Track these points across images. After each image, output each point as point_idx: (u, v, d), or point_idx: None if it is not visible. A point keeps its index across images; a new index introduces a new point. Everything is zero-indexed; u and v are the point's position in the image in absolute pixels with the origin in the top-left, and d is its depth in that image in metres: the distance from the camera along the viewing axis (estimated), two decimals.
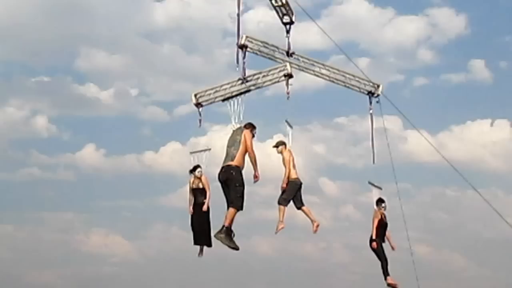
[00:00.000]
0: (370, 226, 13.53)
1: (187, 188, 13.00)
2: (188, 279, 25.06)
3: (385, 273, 13.17)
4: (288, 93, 11.54)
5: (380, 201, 13.42)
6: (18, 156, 32.99)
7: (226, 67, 29.81)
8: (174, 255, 27.27)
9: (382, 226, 13.41)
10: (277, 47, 13.05)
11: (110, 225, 31.14)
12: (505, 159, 31.05)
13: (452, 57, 33.95)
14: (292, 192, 11.98)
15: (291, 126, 12.41)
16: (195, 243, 12.62)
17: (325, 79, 13.46)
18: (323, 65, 13.48)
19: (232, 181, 9.93)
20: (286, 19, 12.95)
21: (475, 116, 32.34)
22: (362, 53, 32.01)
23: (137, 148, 32.64)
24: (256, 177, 10.06)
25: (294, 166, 12.08)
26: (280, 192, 12.23)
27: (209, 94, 12.82)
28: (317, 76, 13.55)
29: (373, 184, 13.46)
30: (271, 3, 12.73)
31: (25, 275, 27.50)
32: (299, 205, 12.16)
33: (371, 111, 13.21)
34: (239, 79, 12.24)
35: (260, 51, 12.68)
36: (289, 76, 11.99)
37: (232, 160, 10.05)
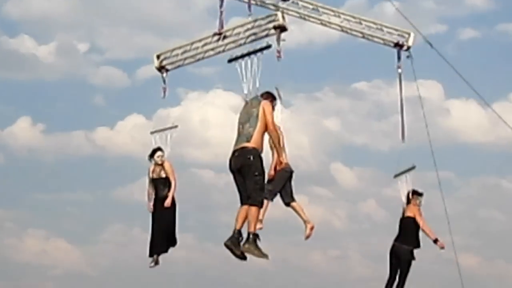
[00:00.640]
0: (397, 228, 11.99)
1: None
2: None
3: None
4: (279, 52, 9.79)
5: (416, 193, 11.85)
6: None
7: (206, 14, 25.07)
8: (134, 265, 22.43)
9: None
10: None
11: (51, 225, 25.24)
12: None
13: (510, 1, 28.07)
14: (280, 183, 10.67)
15: (280, 97, 10.84)
16: (151, 253, 11.26)
17: (336, 29, 11.78)
18: (332, 11, 11.65)
19: (249, 169, 8.76)
20: None
21: None
22: None
23: (86, 123, 27.02)
24: (280, 163, 9.22)
25: (283, 149, 10.71)
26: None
27: (177, 55, 11.16)
28: (326, 26, 11.80)
29: (402, 172, 11.67)
30: None
31: None
32: (289, 200, 10.80)
33: (399, 70, 11.44)
34: (215, 34, 10.71)
35: None
36: (281, 28, 10.05)
37: (248, 140, 8.86)
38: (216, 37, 10.73)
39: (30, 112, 26.61)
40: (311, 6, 11.63)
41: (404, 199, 11.77)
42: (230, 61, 10.18)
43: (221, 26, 10.62)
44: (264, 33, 10.25)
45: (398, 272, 11.68)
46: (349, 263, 24.59)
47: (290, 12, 11.29)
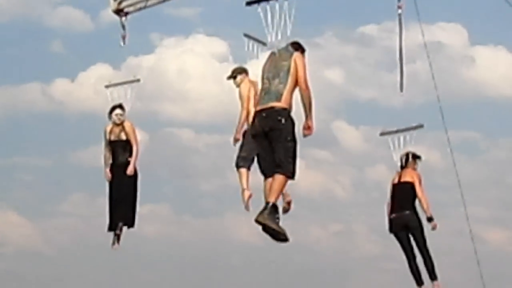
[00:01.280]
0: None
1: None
2: (123, 280, 19.85)
3: (432, 274, 10.58)
4: None
5: (417, 157, 11.13)
6: None
7: None
8: (99, 242, 20.99)
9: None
10: None
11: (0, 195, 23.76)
12: None
13: None
14: (251, 145, 9.87)
15: (262, 43, 10.16)
16: (110, 228, 10.66)
17: None
18: None
19: (281, 134, 8.06)
20: None
21: None
22: None
23: (42, 74, 24.80)
24: (309, 128, 8.26)
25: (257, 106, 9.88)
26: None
27: None
28: None
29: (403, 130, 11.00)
30: None
31: None
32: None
33: (399, 11, 10.52)
34: None
35: None
36: None
37: (278, 99, 8.13)
38: None
39: None
40: None
41: (398, 162, 10.92)
42: (249, 3, 9.30)
43: None
44: None
45: (415, 245, 10.61)
46: (354, 239, 22.37)
47: None
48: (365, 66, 24.91)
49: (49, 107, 24.21)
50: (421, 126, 11.10)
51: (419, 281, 10.51)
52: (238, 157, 10.35)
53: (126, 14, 10.77)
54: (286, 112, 8.20)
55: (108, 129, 10.76)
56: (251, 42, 10.52)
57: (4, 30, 25.36)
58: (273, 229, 8.02)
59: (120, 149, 10.79)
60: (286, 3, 8.76)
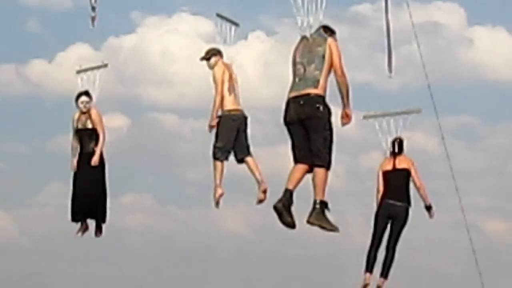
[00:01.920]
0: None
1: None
2: (104, 273, 19.39)
3: (385, 272, 10.63)
4: None
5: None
6: None
7: None
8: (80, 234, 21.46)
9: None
10: None
11: None
12: None
13: None
14: (227, 134, 9.97)
15: (235, 23, 10.11)
16: (73, 218, 10.70)
17: None
18: None
19: (319, 122, 7.93)
20: None
21: None
22: None
23: (17, 55, 24.03)
24: (347, 116, 8.12)
25: (231, 91, 10.14)
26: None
27: None
28: None
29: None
30: None
31: None
32: (242, 155, 10.13)
33: None
34: None
35: None
36: None
37: (315, 86, 7.98)
38: None
39: None
40: None
41: (390, 147, 10.93)
42: None
43: None
44: None
45: (387, 237, 10.57)
46: (348, 230, 21.73)
47: None
48: (359, 47, 24.11)
49: (25, 89, 23.53)
50: (418, 111, 10.96)
51: (370, 268, 10.49)
52: (215, 147, 10.10)
53: None
54: (323, 100, 8.02)
55: (76, 117, 10.63)
56: (224, 22, 10.15)
57: None
58: (326, 228, 7.86)
59: (86, 138, 10.67)
60: None
